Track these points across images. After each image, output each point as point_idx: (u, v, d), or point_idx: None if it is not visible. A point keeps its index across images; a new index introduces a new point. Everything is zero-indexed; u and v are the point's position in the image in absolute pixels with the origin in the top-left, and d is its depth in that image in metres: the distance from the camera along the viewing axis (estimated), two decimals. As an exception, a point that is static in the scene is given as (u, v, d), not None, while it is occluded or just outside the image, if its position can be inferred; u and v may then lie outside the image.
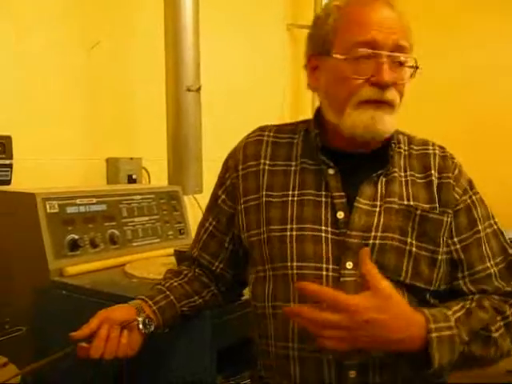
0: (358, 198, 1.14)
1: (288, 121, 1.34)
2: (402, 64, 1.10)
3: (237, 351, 1.42)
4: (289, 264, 1.13)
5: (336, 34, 1.12)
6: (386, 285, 0.97)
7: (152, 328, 1.17)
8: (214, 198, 1.31)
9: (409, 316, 0.99)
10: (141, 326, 1.15)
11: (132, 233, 1.94)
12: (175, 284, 1.29)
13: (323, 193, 1.16)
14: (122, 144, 2.54)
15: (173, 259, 1.72)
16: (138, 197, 2.01)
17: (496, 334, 1.08)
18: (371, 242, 1.11)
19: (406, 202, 1.15)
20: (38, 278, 1.68)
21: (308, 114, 1.67)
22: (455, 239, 1.17)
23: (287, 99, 3.58)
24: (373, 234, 1.11)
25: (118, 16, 2.51)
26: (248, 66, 3.20)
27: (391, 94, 1.09)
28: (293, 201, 1.17)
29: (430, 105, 3.48)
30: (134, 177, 2.43)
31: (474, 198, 1.21)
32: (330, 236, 1.13)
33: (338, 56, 1.10)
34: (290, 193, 1.18)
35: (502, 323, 1.11)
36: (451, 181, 1.18)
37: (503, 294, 1.16)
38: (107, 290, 1.54)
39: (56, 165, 2.24)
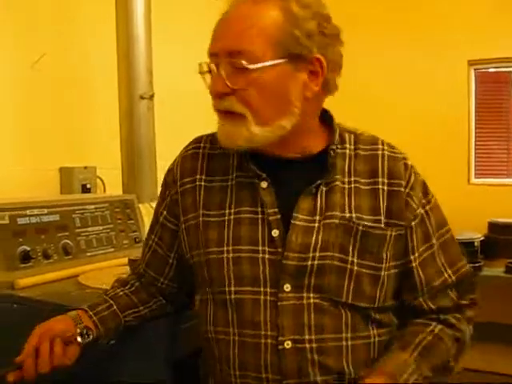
0: (294, 213, 1.08)
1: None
2: (245, 68, 1.02)
3: (195, 362, 1.41)
4: (226, 289, 1.09)
5: None
6: None
7: (90, 338, 1.15)
8: (156, 214, 1.29)
9: None
10: (78, 337, 1.13)
11: (86, 243, 1.92)
12: (120, 293, 1.27)
13: (259, 209, 1.10)
14: (75, 153, 2.51)
15: (127, 269, 1.71)
16: (92, 206, 1.99)
17: (453, 363, 1.12)
18: (309, 263, 1.06)
19: (347, 215, 1.08)
20: (-12, 292, 1.64)
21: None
22: (412, 256, 1.13)
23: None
24: (311, 254, 1.06)
25: (68, 24, 2.49)
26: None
27: (223, 103, 1.07)
28: (229, 220, 1.11)
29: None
30: (88, 186, 2.41)
31: (427, 207, 1.15)
32: (267, 256, 1.07)
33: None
34: (227, 211, 1.12)
35: (458, 347, 1.14)
36: (404, 189, 1.11)
37: (459, 307, 1.16)
38: (59, 301, 1.50)
39: (7, 175, 2.20)
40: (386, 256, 1.09)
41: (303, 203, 1.09)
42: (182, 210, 1.19)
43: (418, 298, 1.14)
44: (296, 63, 1.04)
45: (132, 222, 2.12)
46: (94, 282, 1.68)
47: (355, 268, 1.07)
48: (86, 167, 2.44)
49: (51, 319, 1.16)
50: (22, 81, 2.30)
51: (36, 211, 1.79)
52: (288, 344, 1.04)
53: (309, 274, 1.05)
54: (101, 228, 1.99)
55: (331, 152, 1.11)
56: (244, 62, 1.01)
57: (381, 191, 1.11)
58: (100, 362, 1.30)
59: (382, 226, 1.09)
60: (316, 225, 1.07)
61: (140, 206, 2.25)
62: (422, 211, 1.13)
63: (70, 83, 2.50)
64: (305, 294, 1.06)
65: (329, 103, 1.18)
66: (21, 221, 1.74)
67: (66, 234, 1.86)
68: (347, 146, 1.14)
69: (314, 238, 1.07)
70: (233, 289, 1.09)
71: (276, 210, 1.09)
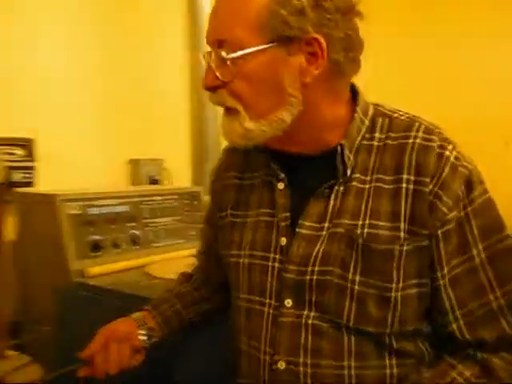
0: (300, 220, 0.95)
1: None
2: (226, 60, 0.90)
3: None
4: (241, 295, 1.02)
5: None
6: None
7: (154, 339, 1.14)
8: (209, 205, 1.22)
9: None
10: (143, 338, 1.13)
11: (154, 233, 1.94)
12: (183, 290, 1.25)
13: (275, 212, 1.00)
14: (144, 146, 2.55)
15: (195, 260, 1.71)
16: (160, 198, 2.01)
17: None
18: (308, 277, 0.92)
19: (360, 223, 0.91)
20: (60, 279, 1.68)
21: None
22: (439, 273, 0.90)
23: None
24: (310, 268, 0.92)
25: (141, 18, 2.53)
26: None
27: (215, 97, 0.94)
28: (250, 222, 1.02)
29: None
30: (155, 178, 2.44)
31: (469, 208, 0.90)
32: (276, 265, 0.97)
33: None
34: (250, 212, 1.03)
35: None
36: (432, 188, 0.89)
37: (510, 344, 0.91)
38: (128, 290, 1.54)
39: (80, 167, 2.26)
40: (398, 274, 0.90)
41: (313, 208, 0.95)
42: (220, 206, 1.12)
43: (451, 324, 0.92)
44: (287, 46, 0.88)
45: (199, 213, 2.13)
46: (162, 272, 1.70)
47: (356, 287, 0.90)
48: (153, 159, 2.47)
49: (115, 321, 1.16)
50: (100, 81, 2.36)
51: (106, 202, 1.82)
52: (282, 365, 0.94)
53: (309, 289, 0.92)
54: (168, 219, 2.01)
55: (338, 148, 0.93)
56: (223, 53, 0.89)
57: (404, 191, 0.90)
58: (164, 361, 1.30)
59: (402, 234, 0.89)
60: (323, 233, 0.93)
61: (206, 197, 2.26)
62: (461, 214, 0.89)
63: (143, 82, 2.55)
64: (305, 312, 0.93)
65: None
66: (91, 211, 1.78)
67: (135, 224, 1.89)
68: (376, 135, 0.95)
69: (316, 249, 0.93)
70: (245, 296, 1.01)
71: (288, 214, 0.97)
